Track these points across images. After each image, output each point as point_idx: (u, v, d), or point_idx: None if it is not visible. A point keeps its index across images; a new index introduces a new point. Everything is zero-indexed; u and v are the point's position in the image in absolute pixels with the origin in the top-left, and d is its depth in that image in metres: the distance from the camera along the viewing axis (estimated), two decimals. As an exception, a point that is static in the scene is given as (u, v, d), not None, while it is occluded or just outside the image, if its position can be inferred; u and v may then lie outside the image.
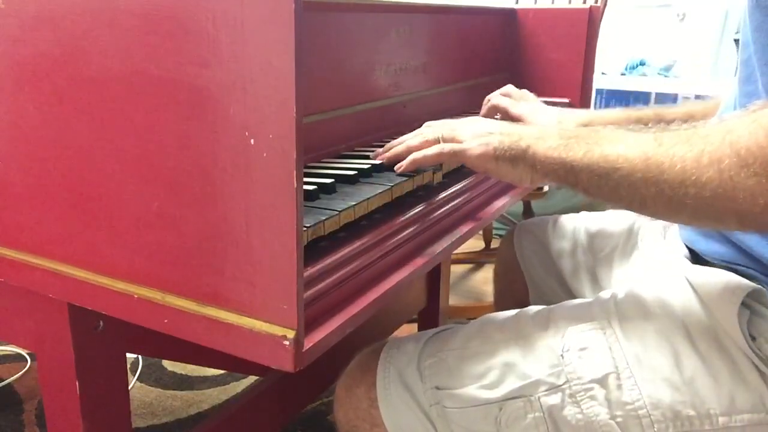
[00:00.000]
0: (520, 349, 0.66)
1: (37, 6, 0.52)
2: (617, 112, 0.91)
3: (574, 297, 0.95)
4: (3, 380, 1.48)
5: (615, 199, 0.59)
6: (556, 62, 1.24)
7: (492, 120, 0.72)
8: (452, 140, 0.69)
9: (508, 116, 0.97)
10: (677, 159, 0.53)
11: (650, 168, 0.55)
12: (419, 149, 0.70)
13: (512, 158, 0.65)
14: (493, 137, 0.66)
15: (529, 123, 0.92)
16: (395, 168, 0.70)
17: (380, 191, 0.65)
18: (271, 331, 0.46)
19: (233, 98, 0.44)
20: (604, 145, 0.59)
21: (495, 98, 0.97)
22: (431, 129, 0.72)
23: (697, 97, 2.26)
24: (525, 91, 0.99)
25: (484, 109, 0.99)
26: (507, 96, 0.97)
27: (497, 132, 0.67)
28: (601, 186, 0.59)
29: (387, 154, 0.74)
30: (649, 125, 0.88)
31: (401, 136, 0.75)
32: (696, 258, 0.72)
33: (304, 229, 0.52)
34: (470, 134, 0.68)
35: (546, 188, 1.85)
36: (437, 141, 0.70)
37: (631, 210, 0.60)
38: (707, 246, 0.69)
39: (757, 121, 0.51)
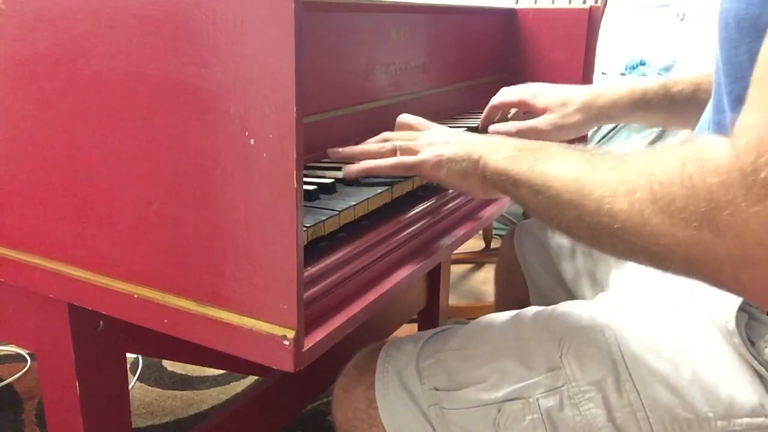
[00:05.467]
0: (519, 350, 0.66)
1: (37, 6, 0.52)
2: (622, 89, 0.90)
3: (573, 297, 0.95)
4: (3, 380, 1.48)
5: (547, 218, 0.57)
6: (556, 62, 1.24)
7: (452, 130, 0.71)
8: (408, 150, 0.67)
9: (509, 107, 0.96)
10: (598, 184, 0.51)
11: (577, 191, 0.52)
12: (375, 158, 0.69)
13: (464, 170, 0.63)
14: (448, 147, 0.65)
15: (531, 105, 0.91)
16: (344, 169, 0.67)
17: (380, 191, 0.65)
18: (271, 331, 0.46)
19: (233, 98, 0.44)
20: (547, 161, 0.57)
21: (491, 101, 0.95)
22: (391, 139, 0.71)
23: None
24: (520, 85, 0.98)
25: (483, 115, 0.97)
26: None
27: (453, 141, 0.65)
28: (537, 202, 0.57)
29: (341, 151, 0.72)
30: (652, 109, 0.89)
31: (365, 141, 0.74)
32: None
33: (304, 229, 0.52)
34: (426, 144, 0.67)
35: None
36: (394, 151, 0.68)
37: (561, 233, 0.57)
38: None
39: (676, 153, 0.48)
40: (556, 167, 0.55)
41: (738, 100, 0.55)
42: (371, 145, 0.71)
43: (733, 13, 0.55)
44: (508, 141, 0.63)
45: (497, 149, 0.62)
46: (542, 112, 0.91)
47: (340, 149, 0.73)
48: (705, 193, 0.44)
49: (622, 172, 0.50)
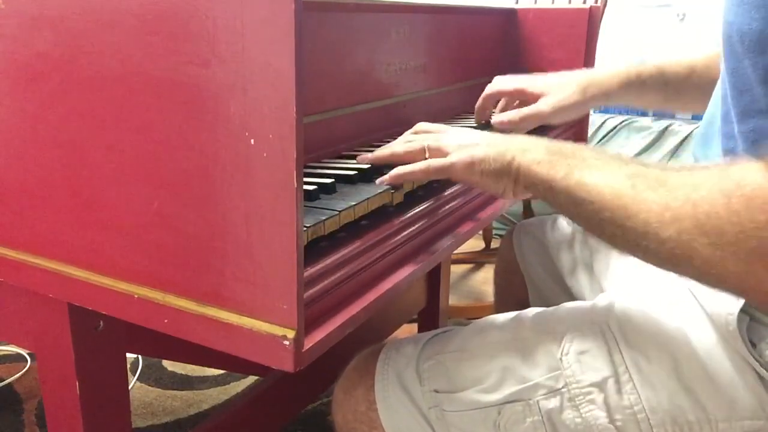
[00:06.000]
0: (519, 352, 0.66)
1: (37, 6, 0.52)
2: (617, 71, 0.91)
3: (573, 296, 0.95)
4: (3, 380, 1.48)
5: (587, 228, 0.59)
6: (556, 62, 1.23)
7: (478, 131, 0.71)
8: (438, 151, 0.67)
9: (505, 95, 0.96)
10: (643, 207, 0.52)
11: (618, 210, 0.53)
12: (404, 158, 0.69)
13: (496, 171, 0.63)
14: (479, 149, 0.64)
15: (528, 93, 0.92)
16: (377, 181, 0.67)
17: (380, 191, 0.65)
18: (271, 331, 0.46)
19: (233, 98, 0.44)
20: (584, 170, 0.57)
21: (486, 89, 0.96)
22: (418, 137, 0.71)
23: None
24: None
25: (478, 102, 0.97)
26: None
27: (483, 143, 0.65)
28: (575, 213, 0.58)
29: (370, 156, 0.72)
30: (646, 88, 0.90)
31: (390, 143, 0.74)
32: None
33: (304, 229, 0.52)
34: (456, 145, 0.66)
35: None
36: (423, 151, 0.68)
37: (601, 242, 0.58)
38: None
39: (719, 185, 0.49)
40: (594, 179, 0.56)
41: (744, 113, 0.56)
42: (397, 145, 0.71)
43: (736, 28, 0.55)
44: (539, 142, 0.63)
45: (529, 151, 0.62)
46: (539, 97, 0.91)
47: (369, 155, 0.73)
48: (753, 230, 0.46)
49: (665, 197, 0.51)
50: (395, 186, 0.67)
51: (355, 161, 0.75)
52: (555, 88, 0.90)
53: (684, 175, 0.53)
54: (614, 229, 0.54)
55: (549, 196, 0.60)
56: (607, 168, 0.57)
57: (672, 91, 0.90)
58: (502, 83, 0.95)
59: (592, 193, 0.56)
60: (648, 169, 0.55)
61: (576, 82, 0.90)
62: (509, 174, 0.62)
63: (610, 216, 0.54)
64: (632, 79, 0.90)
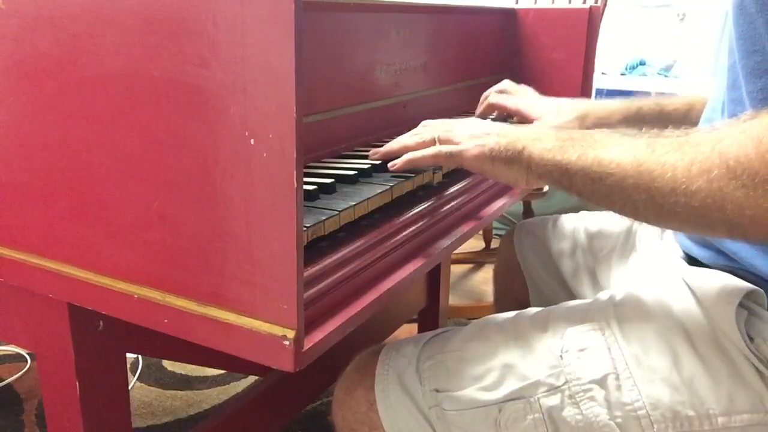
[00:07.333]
0: (520, 350, 0.66)
1: (37, 6, 0.52)
2: (617, 103, 0.92)
3: (574, 297, 0.95)
4: (3, 380, 1.48)
5: (608, 204, 0.59)
6: (556, 62, 1.24)
7: (488, 121, 0.72)
8: (448, 141, 0.69)
9: (505, 111, 0.97)
10: (668, 167, 0.53)
11: (642, 175, 0.55)
12: (415, 149, 0.70)
13: (508, 159, 0.64)
14: (490, 138, 0.66)
15: (527, 115, 0.93)
16: (389, 165, 0.69)
17: (380, 191, 0.65)
18: (271, 331, 0.46)
19: (233, 98, 0.44)
20: (599, 148, 0.59)
21: (492, 97, 0.98)
22: (428, 129, 0.72)
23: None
24: (523, 86, 0.99)
25: (480, 109, 1.00)
26: (504, 92, 0.98)
27: (494, 133, 0.67)
28: (594, 190, 0.59)
29: (382, 150, 0.74)
30: (646, 124, 0.90)
31: (399, 137, 0.75)
32: (692, 260, 0.72)
33: (304, 229, 0.52)
34: (467, 135, 0.68)
35: (546, 188, 1.85)
36: (433, 142, 0.70)
37: (624, 215, 0.60)
38: (701, 253, 0.70)
39: (745, 132, 0.50)
40: (611, 154, 0.57)
41: (753, 73, 0.58)
42: (408, 138, 0.72)
43: None
44: (548, 131, 0.65)
45: (540, 139, 0.63)
46: (535, 121, 0.92)
47: (381, 149, 0.75)
48: None
49: (689, 153, 0.53)
50: (405, 175, 0.69)
51: (355, 161, 0.75)
52: (552, 114, 0.91)
53: (704, 133, 0.54)
54: (639, 195, 0.55)
55: (564, 181, 0.61)
56: (622, 142, 0.58)
57: (672, 127, 0.90)
58: (505, 99, 0.97)
59: (611, 165, 0.57)
60: (661, 137, 0.56)
61: (574, 111, 0.91)
62: (521, 162, 0.64)
63: (633, 183, 0.55)
64: (632, 112, 0.90)
